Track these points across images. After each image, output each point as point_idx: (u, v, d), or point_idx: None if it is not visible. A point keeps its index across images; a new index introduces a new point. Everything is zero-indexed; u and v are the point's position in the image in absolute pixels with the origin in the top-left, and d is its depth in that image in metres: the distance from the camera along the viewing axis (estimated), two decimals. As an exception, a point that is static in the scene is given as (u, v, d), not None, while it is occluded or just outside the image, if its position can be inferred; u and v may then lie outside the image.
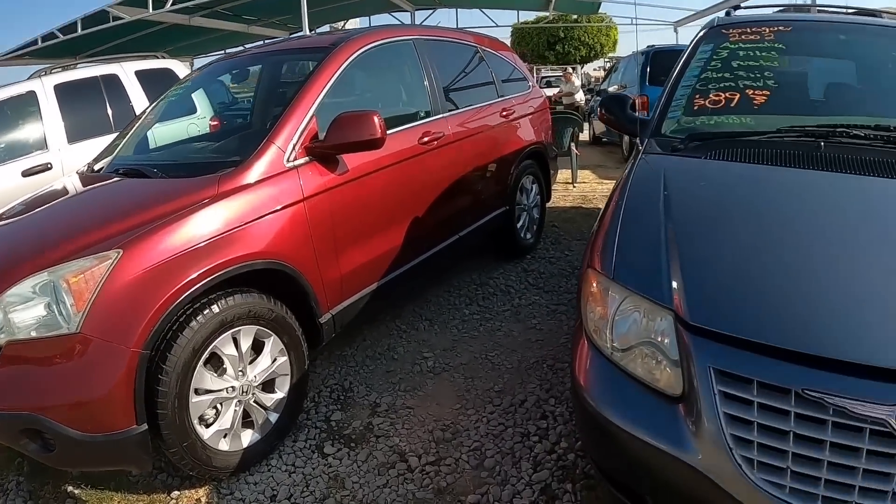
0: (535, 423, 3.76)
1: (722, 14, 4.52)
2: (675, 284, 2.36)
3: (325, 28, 25.34)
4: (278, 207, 3.58)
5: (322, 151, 3.87)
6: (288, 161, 3.72)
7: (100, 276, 2.92)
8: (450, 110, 5.30)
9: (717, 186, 3.02)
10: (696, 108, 3.76)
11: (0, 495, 3.53)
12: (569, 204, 9.32)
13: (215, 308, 3.22)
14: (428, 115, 5.06)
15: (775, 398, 2.00)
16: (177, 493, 3.39)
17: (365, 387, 4.28)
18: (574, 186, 10.49)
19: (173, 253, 3.10)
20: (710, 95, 3.73)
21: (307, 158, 3.83)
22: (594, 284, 2.62)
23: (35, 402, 2.91)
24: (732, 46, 3.95)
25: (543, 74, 38.30)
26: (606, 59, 44.40)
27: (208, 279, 3.18)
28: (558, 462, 3.42)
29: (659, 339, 2.31)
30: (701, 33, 4.30)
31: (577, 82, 19.67)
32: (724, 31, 4.13)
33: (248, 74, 6.32)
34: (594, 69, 49.12)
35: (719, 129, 3.55)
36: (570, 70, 23.27)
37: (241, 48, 6.26)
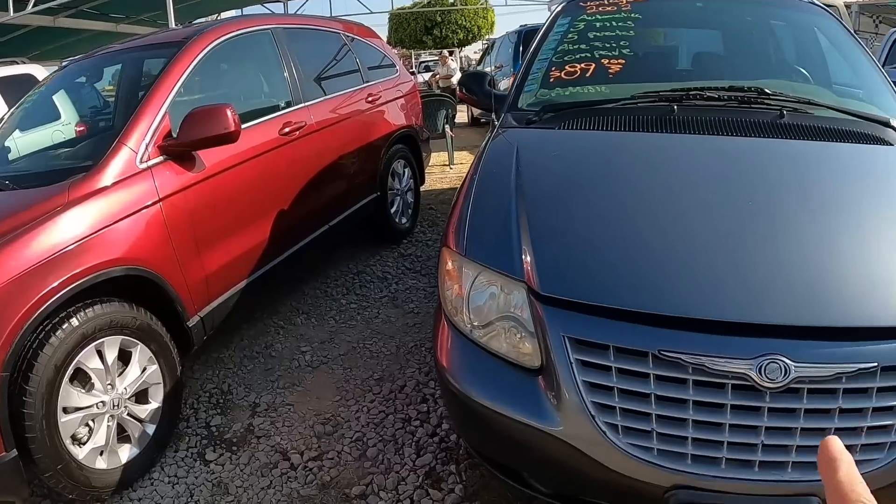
0: (415, 407, 3.77)
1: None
2: (525, 256, 2.36)
3: (202, 20, 24.68)
4: (133, 210, 3.46)
5: (176, 149, 3.76)
6: (141, 162, 3.59)
7: None
8: (312, 99, 5.23)
9: (569, 155, 3.05)
10: (552, 80, 3.76)
11: None
12: (446, 185, 9.36)
13: (74, 321, 3.07)
14: (289, 105, 4.98)
15: (633, 362, 2.03)
16: (61, 518, 3.26)
17: (244, 387, 4.20)
18: (451, 168, 10.54)
19: (25, 267, 2.94)
20: (566, 67, 3.75)
21: (161, 158, 3.71)
22: (449, 263, 2.61)
23: None
24: (589, 18, 3.98)
25: (423, 59, 38.31)
26: (484, 42, 44.66)
27: (63, 292, 3.03)
28: (441, 444, 3.43)
29: (518, 313, 2.30)
30: (558, 7, 4.33)
31: (454, 65, 19.71)
32: (581, 3, 4.15)
33: (101, 74, 6.07)
34: (474, 52, 49.35)
35: (574, 100, 3.56)
36: (447, 53, 23.35)
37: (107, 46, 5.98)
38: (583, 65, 3.71)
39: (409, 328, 4.78)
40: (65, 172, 3.56)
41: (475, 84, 4.11)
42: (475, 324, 2.42)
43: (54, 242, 3.09)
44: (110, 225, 3.34)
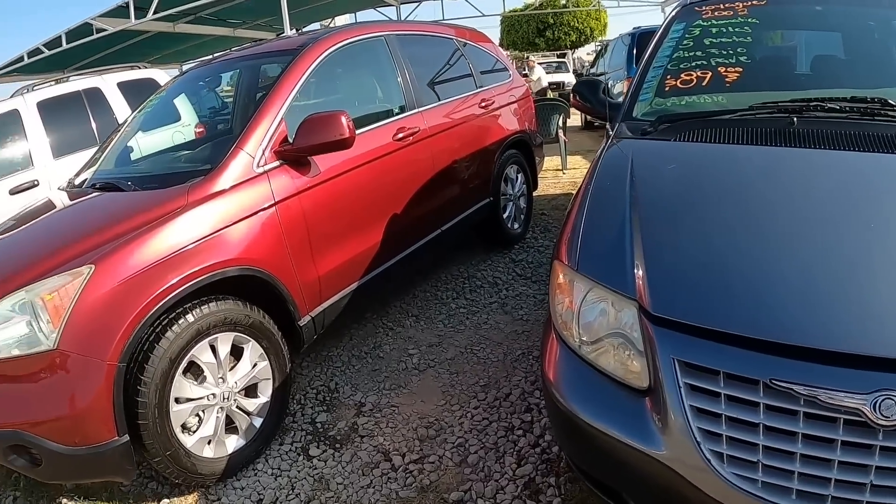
0: (519, 416, 3.75)
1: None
2: (638, 274, 2.31)
3: (316, 26, 25.20)
4: (250, 213, 3.59)
5: (292, 154, 3.86)
6: (258, 166, 3.72)
7: (73, 292, 2.94)
8: (426, 105, 5.27)
9: (684, 169, 2.96)
10: (667, 88, 3.67)
11: (-3, 510, 3.56)
12: (559, 191, 9.25)
13: (190, 317, 3.22)
14: (403, 110, 5.03)
15: (743, 389, 1.95)
16: (166, 500, 3.41)
17: (350, 387, 4.28)
18: (564, 173, 10.43)
19: (145, 265, 3.11)
20: (682, 75, 3.66)
21: (278, 162, 3.82)
22: (560, 276, 2.59)
23: (19, 419, 2.94)
24: (705, 24, 3.88)
25: (539, 62, 38.28)
26: (597, 43, 44.15)
27: (181, 289, 3.19)
28: (542, 455, 3.40)
29: (628, 331, 2.26)
30: (673, 12, 4.22)
31: (540, 70, 19.54)
32: (696, 8, 4.03)
33: (220, 80, 6.29)
34: (587, 53, 48.91)
35: (690, 110, 3.47)
36: (532, 58, 23.23)
37: (227, 52, 6.21)
38: (699, 73, 3.62)
39: (518, 335, 4.76)
40: (184, 175, 3.72)
41: (589, 91, 4.06)
42: (584, 339, 2.40)
43: (173, 242, 3.24)
44: (228, 226, 3.47)
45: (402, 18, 25.05)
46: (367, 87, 5.33)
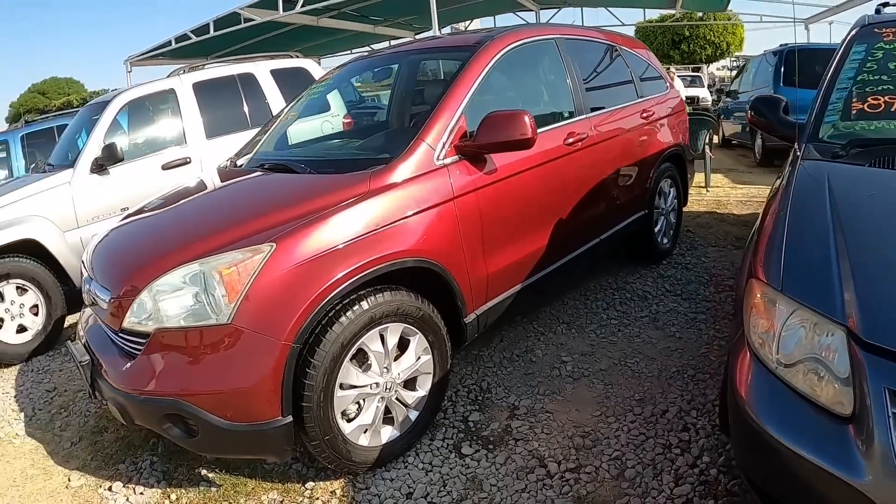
0: (676, 434, 3.65)
1: (871, 12, 4.32)
2: (847, 299, 2.23)
3: (447, 29, 25.40)
4: (429, 205, 3.59)
5: (472, 150, 3.85)
6: (438, 159, 3.73)
7: (253, 268, 2.99)
8: (592, 111, 5.20)
9: (886, 196, 2.86)
10: (854, 112, 3.60)
11: (134, 473, 3.69)
12: (703, 209, 9.05)
13: (365, 305, 3.25)
14: (571, 115, 4.98)
15: None
16: (311, 483, 3.46)
17: (503, 388, 4.27)
18: (707, 190, 10.21)
19: (326, 248, 3.15)
20: (868, 99, 3.59)
21: (457, 157, 3.83)
22: (758, 295, 2.51)
23: (181, 389, 3.02)
24: (888, 47, 3.80)
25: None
26: (733, 59, 43.21)
27: (360, 276, 3.22)
28: (700, 477, 3.30)
29: (824, 355, 2.19)
30: (852, 32, 4.13)
31: (679, 83, 19.13)
32: (876, 30, 3.96)
33: (389, 73, 6.38)
34: (717, 68, 47.96)
35: (881, 136, 3.40)
36: (673, 70, 22.69)
37: (367, 48, 6.31)
38: (887, 97, 3.54)
39: (671, 352, 4.65)
40: (361, 162, 3.77)
41: (768, 109, 3.96)
42: (780, 360, 2.32)
43: (355, 228, 3.28)
44: (408, 216, 3.49)
45: (556, 24, 24.97)
46: (538, 88, 5.30)
